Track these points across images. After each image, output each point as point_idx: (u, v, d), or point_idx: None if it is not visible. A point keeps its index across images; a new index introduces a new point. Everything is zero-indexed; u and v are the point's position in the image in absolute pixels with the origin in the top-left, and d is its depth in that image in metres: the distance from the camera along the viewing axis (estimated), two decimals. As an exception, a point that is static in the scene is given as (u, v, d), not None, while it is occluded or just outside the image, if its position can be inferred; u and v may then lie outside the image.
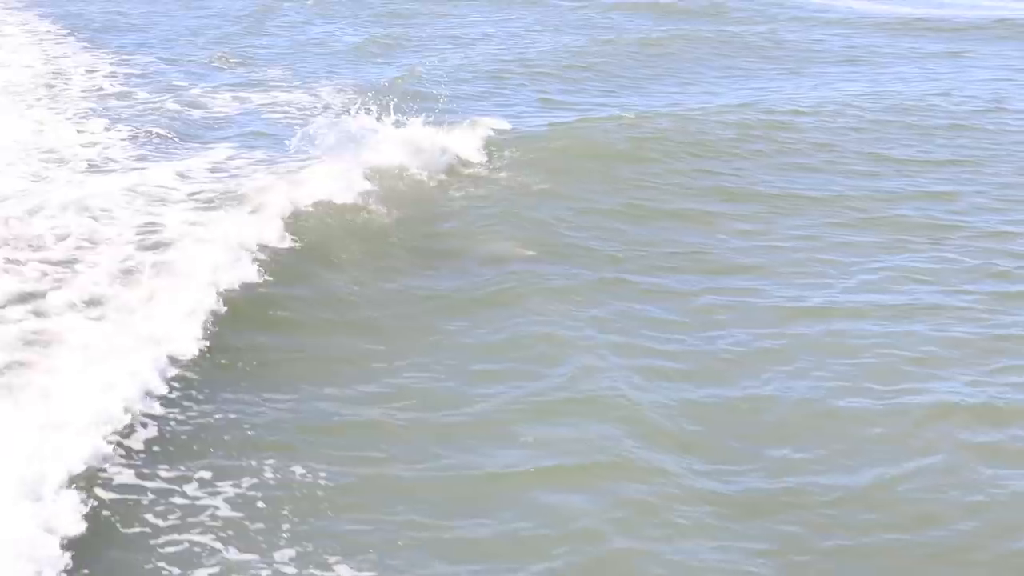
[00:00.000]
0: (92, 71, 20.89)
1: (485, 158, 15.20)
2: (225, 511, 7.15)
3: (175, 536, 6.91)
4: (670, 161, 15.50)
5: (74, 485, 6.95)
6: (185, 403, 8.53)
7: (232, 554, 6.70)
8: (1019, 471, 8.03)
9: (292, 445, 8.05)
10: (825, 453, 8.31)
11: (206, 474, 7.56)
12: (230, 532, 6.96)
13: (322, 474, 7.67)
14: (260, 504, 7.31)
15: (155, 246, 11.53)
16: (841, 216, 13.52)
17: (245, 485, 7.48)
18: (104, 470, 7.35)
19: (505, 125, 16.37)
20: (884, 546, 7.24)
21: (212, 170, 14.56)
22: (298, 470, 7.70)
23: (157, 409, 8.26)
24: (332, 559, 6.74)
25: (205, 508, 7.13)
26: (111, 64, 21.52)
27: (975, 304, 10.89)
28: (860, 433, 8.58)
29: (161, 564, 6.66)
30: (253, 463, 7.74)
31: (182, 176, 14.16)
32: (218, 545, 6.76)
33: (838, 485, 7.88)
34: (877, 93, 20.11)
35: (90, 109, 17.88)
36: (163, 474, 7.55)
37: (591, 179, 14.64)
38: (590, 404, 8.81)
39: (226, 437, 8.11)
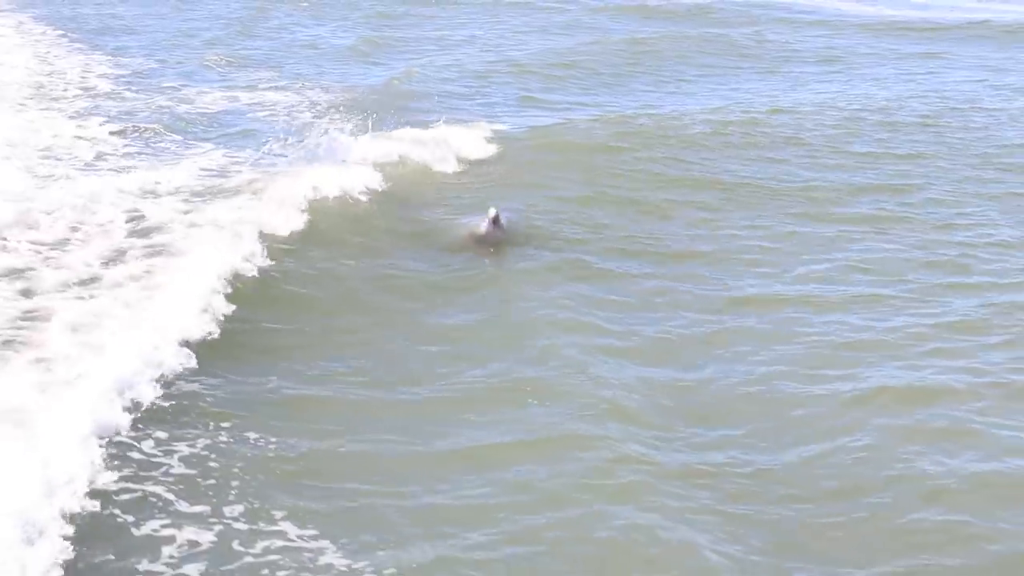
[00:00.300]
0: (86, 72, 21.19)
1: (470, 155, 15.52)
2: (180, 469, 7.60)
3: (131, 486, 7.31)
4: (644, 153, 15.93)
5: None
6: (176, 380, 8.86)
7: (183, 507, 7.19)
8: (936, 447, 8.36)
9: (252, 414, 8.46)
10: (756, 429, 8.68)
11: (163, 435, 7.98)
12: (183, 487, 7.42)
13: (278, 443, 8.02)
14: (213, 464, 7.72)
15: (147, 232, 11.95)
16: (797, 207, 13.92)
17: (200, 446, 7.91)
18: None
19: (489, 124, 16.75)
20: (798, 514, 7.61)
21: (204, 167, 14.86)
22: (253, 437, 8.08)
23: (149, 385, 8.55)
24: (279, 515, 7.22)
25: (160, 466, 7.59)
26: (104, 65, 21.84)
27: (911, 293, 11.27)
28: (789, 412, 8.96)
29: (116, 512, 7.03)
30: (212, 428, 8.17)
31: (174, 171, 14.50)
32: (171, 497, 7.23)
33: (763, 459, 8.25)
34: (853, 92, 20.59)
35: (83, 108, 18.16)
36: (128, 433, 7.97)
37: (567, 172, 15.06)
38: (547, 382, 9.31)
39: (186, 403, 8.52)
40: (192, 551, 6.73)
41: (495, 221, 12.24)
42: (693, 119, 17.95)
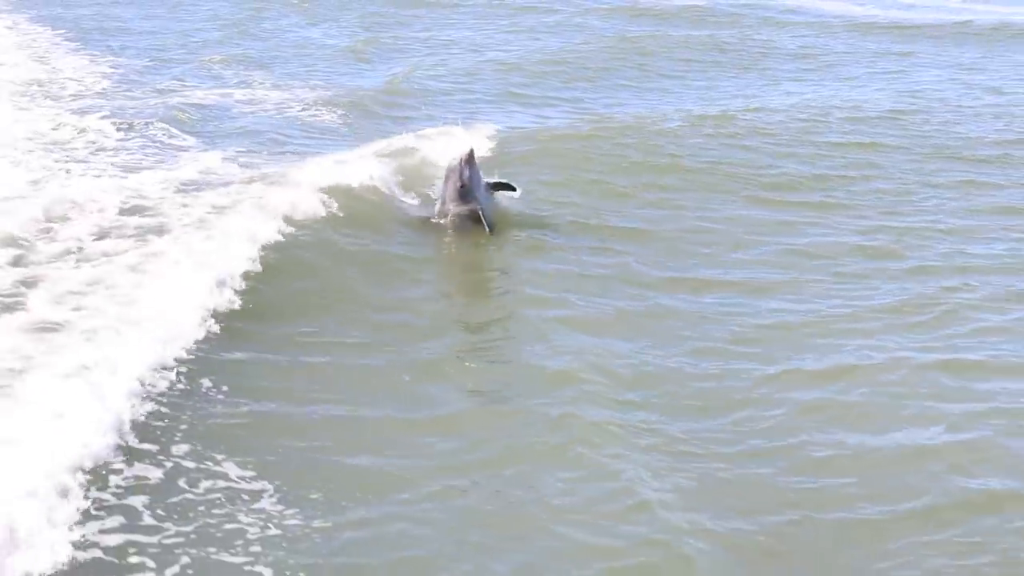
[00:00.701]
0: (82, 72, 21.53)
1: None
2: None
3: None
4: (617, 143, 16.35)
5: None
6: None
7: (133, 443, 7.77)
8: (835, 420, 8.81)
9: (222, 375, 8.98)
10: (675, 398, 9.17)
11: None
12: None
13: (225, 401, 8.58)
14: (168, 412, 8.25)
15: (144, 232, 12.06)
16: (754, 193, 14.51)
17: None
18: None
19: (478, 126, 16.76)
20: (697, 470, 8.06)
21: (203, 170, 14.77)
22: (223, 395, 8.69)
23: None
24: (220, 457, 7.84)
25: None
26: (101, 65, 22.23)
27: (842, 278, 11.73)
28: (707, 385, 9.41)
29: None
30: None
31: (173, 169, 14.72)
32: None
33: (677, 424, 8.72)
34: (826, 89, 21.19)
35: (81, 107, 18.37)
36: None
37: (545, 161, 15.49)
38: (503, 349, 10.18)
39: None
40: (139, 483, 7.39)
41: (469, 161, 12.22)
42: (669, 116, 18.41)
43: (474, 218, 12.36)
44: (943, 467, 8.10)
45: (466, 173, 12.21)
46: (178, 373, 8.80)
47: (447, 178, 12.59)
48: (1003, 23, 28.82)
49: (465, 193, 12.25)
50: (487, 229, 12.34)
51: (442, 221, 12.64)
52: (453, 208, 12.46)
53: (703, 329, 10.54)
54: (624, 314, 10.87)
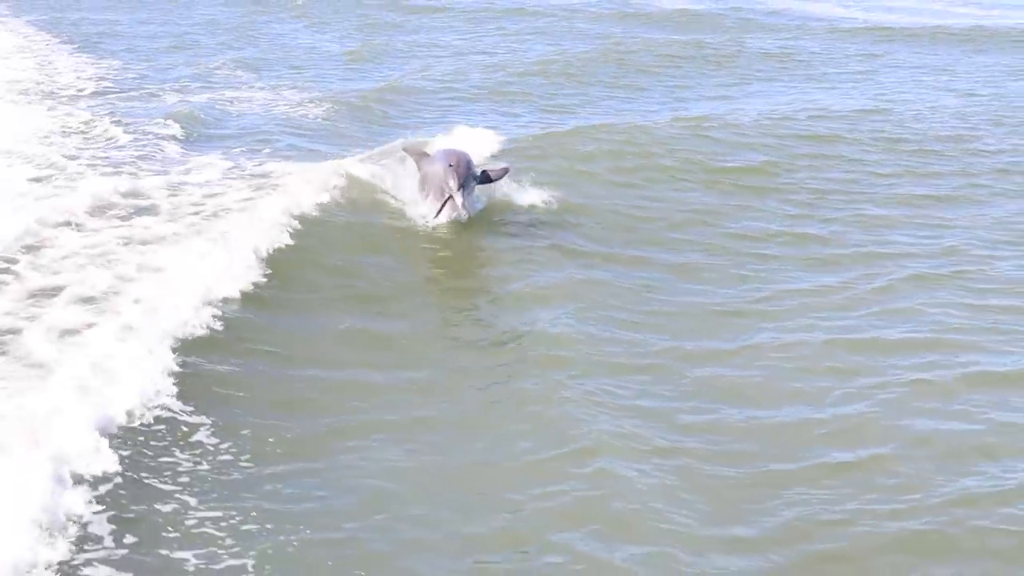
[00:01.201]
0: (82, 77, 21.96)
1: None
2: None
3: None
4: (594, 141, 16.69)
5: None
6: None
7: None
8: (734, 398, 9.30)
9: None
10: (584, 359, 9.81)
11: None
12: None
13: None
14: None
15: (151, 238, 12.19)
16: (700, 177, 15.27)
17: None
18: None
19: (471, 131, 16.69)
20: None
21: (204, 181, 14.68)
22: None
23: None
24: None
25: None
26: (101, 70, 22.77)
27: (772, 263, 12.34)
28: (612, 353, 10.02)
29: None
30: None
31: (179, 171, 14.96)
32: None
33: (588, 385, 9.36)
34: (794, 91, 21.81)
35: (81, 112, 18.67)
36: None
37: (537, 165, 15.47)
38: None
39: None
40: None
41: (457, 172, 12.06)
42: (651, 117, 18.94)
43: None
44: (818, 436, 8.70)
45: (453, 183, 12.17)
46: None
47: (430, 176, 12.55)
48: (976, 26, 29.49)
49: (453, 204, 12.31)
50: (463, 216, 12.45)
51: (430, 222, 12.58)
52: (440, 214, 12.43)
53: (625, 301, 11.17)
54: (562, 285, 11.50)
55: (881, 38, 28.35)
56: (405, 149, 13.87)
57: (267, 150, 16.42)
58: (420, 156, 13.22)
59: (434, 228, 12.68)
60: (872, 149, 17.12)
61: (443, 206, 12.33)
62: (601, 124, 17.84)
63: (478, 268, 12.36)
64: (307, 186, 13.38)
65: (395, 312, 10.80)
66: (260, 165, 15.39)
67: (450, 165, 12.22)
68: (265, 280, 10.92)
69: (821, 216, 13.90)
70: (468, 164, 12.53)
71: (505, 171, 13.45)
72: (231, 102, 19.98)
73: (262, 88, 21.44)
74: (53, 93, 20.64)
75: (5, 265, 11.08)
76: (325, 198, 13.15)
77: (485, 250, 12.57)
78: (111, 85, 21.49)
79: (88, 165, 15.41)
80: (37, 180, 14.66)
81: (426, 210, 12.72)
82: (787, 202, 14.45)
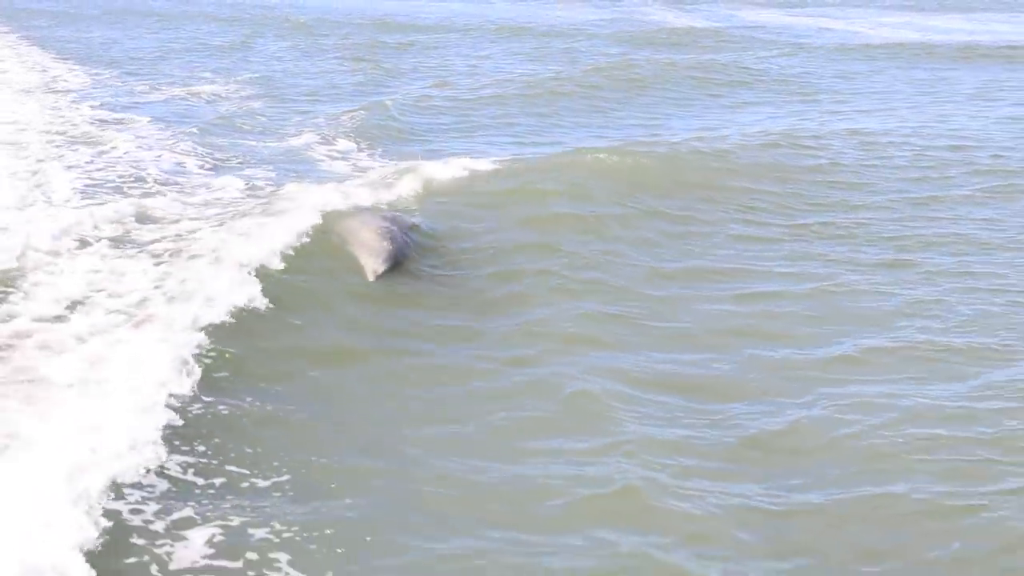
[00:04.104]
0: (80, 100, 21.35)
1: (446, 187, 14.76)
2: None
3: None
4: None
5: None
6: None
7: None
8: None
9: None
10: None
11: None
12: None
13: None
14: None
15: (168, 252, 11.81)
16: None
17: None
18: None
19: (471, 160, 16.07)
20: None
21: (205, 201, 14.27)
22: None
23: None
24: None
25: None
26: (93, 91, 22.44)
27: (722, 262, 12.33)
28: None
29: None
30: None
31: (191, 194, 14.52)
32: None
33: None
34: (776, 109, 21.88)
35: (75, 139, 17.91)
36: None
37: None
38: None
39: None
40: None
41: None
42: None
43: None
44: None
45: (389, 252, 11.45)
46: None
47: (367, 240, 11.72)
48: (969, 44, 29.82)
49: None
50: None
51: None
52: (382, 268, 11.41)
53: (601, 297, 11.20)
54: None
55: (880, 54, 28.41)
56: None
57: (258, 174, 15.89)
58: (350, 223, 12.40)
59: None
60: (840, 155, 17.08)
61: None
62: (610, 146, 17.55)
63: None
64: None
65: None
66: (247, 196, 14.74)
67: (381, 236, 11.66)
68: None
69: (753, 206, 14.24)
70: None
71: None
72: (225, 126, 19.46)
73: (256, 109, 21.23)
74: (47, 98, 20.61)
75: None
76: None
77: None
78: (98, 107, 21.01)
79: (75, 190, 14.69)
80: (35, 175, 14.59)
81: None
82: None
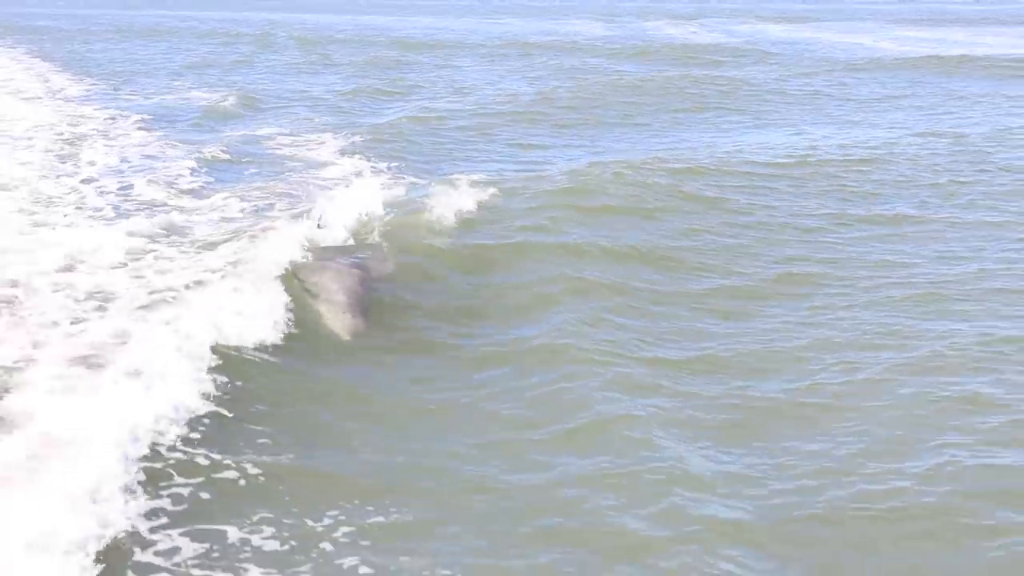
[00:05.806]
0: (82, 116, 21.64)
1: (457, 205, 14.20)
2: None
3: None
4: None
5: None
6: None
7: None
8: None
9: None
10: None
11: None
12: None
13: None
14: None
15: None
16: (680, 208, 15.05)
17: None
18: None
19: (480, 176, 15.91)
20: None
21: (216, 216, 14.03)
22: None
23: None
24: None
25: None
26: (97, 104, 22.90)
27: (708, 258, 12.58)
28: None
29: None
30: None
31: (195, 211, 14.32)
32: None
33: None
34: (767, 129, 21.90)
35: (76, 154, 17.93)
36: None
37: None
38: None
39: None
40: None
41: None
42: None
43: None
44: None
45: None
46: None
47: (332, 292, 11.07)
48: (966, 56, 30.03)
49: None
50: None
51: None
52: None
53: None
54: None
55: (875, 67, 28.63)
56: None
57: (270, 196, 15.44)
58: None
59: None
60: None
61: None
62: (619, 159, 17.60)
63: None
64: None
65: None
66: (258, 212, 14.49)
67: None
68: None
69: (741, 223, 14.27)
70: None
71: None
72: (235, 144, 19.18)
73: (264, 127, 21.19)
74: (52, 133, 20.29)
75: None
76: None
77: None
78: (102, 120, 21.30)
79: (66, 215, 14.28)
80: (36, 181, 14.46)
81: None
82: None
